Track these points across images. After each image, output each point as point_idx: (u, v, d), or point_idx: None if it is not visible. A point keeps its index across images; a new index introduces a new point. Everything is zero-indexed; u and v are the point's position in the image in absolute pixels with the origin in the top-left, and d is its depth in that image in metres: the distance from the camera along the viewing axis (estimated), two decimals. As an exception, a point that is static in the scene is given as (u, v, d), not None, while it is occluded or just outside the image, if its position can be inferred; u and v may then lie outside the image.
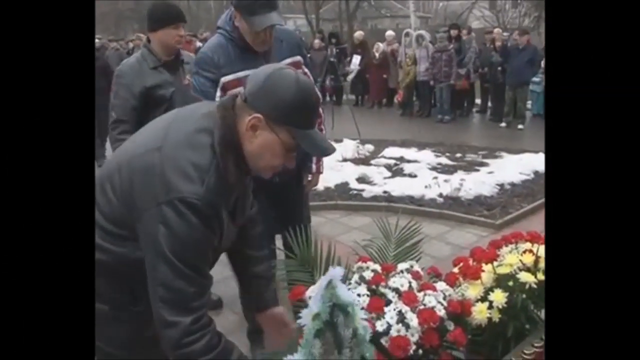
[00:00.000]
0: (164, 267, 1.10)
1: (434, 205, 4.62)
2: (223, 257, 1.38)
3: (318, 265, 1.67)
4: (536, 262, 1.51)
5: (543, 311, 1.38)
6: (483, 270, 1.54)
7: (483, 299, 1.47)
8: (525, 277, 1.45)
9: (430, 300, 1.40)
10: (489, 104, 9.49)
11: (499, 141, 7.23)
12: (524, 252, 1.57)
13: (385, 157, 6.21)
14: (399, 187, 5.01)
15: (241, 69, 2.08)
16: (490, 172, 5.49)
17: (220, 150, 1.14)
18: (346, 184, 5.19)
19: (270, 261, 1.56)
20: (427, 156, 6.23)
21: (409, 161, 6.01)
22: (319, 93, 2.42)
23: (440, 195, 4.78)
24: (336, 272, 1.10)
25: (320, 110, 2.39)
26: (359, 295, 1.42)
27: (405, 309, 1.37)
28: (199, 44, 7.54)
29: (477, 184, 4.96)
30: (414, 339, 1.32)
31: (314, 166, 2.42)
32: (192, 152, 1.14)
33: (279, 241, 2.27)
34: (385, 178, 5.40)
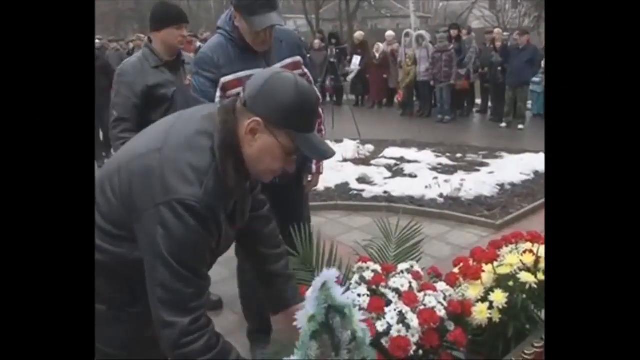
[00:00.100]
0: (162, 268, 1.11)
1: (434, 206, 4.62)
2: (223, 258, 1.38)
3: (320, 265, 1.67)
4: (536, 262, 1.52)
5: (543, 311, 1.38)
6: (483, 271, 1.54)
7: (483, 299, 1.47)
8: (525, 277, 1.46)
9: (430, 300, 1.40)
10: (489, 104, 9.48)
11: (499, 141, 7.23)
12: (524, 252, 1.57)
13: (385, 158, 6.21)
14: (399, 187, 5.01)
15: (241, 69, 2.08)
16: (491, 172, 5.49)
17: (220, 153, 1.14)
18: (346, 184, 5.19)
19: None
20: (428, 156, 6.23)
21: (409, 161, 6.01)
22: (319, 94, 2.43)
23: (441, 195, 4.78)
24: (330, 273, 1.10)
25: (320, 110, 2.41)
26: (359, 295, 1.42)
27: (405, 309, 1.37)
28: (199, 44, 7.53)
29: (477, 184, 4.96)
30: (415, 339, 1.33)
31: (314, 167, 2.42)
32: (191, 154, 1.14)
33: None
34: (385, 178, 5.40)
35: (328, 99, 10.37)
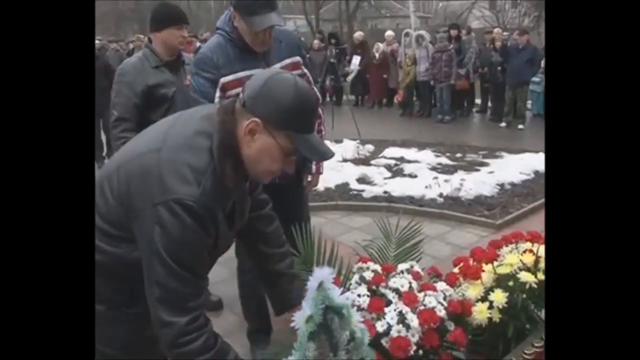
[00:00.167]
0: (160, 268, 1.11)
1: (434, 206, 4.62)
2: (223, 258, 1.38)
3: (321, 265, 1.67)
4: (536, 262, 1.52)
5: (543, 311, 1.38)
6: (483, 270, 1.54)
7: (483, 299, 1.47)
8: (525, 277, 1.45)
9: (430, 300, 1.40)
10: (489, 104, 9.49)
11: (499, 141, 7.23)
12: (524, 252, 1.57)
13: (385, 158, 6.21)
14: (399, 187, 5.00)
15: (240, 70, 2.08)
16: (491, 172, 5.48)
17: (218, 154, 1.14)
18: (346, 184, 5.19)
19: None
20: (428, 156, 6.22)
21: (409, 161, 6.01)
22: (319, 95, 2.43)
23: (441, 195, 4.78)
24: (324, 273, 1.10)
25: (320, 110, 2.41)
26: (359, 295, 1.42)
27: (405, 309, 1.37)
28: (198, 44, 7.53)
29: (477, 184, 4.96)
30: (415, 339, 1.32)
31: (314, 167, 2.42)
32: (189, 154, 1.14)
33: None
34: (385, 178, 5.40)
35: (328, 99, 10.37)
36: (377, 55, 10.93)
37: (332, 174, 5.18)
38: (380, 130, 8.13)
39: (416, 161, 5.99)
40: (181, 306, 1.13)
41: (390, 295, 1.42)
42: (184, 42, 2.62)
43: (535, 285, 1.44)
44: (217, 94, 2.10)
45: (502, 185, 5.03)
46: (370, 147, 6.65)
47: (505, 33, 10.61)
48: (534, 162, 5.59)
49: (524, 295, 1.44)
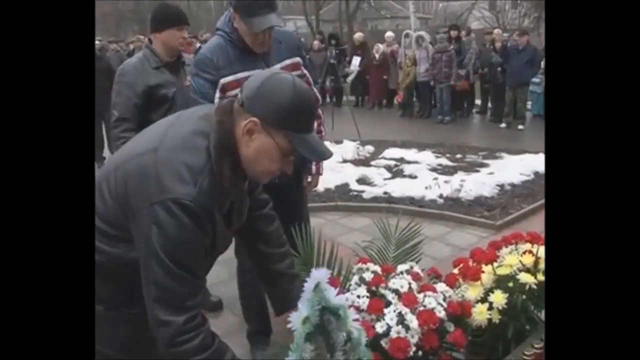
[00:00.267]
0: (157, 267, 1.11)
1: (434, 206, 4.62)
2: (223, 259, 1.38)
3: (320, 266, 1.67)
4: (536, 262, 1.51)
5: (543, 312, 1.38)
6: (483, 271, 1.54)
7: (483, 300, 1.47)
8: (525, 278, 1.45)
9: (430, 301, 1.40)
10: (489, 104, 9.48)
11: (499, 142, 7.23)
12: (524, 253, 1.57)
13: (385, 158, 6.21)
14: (399, 188, 5.00)
15: (240, 70, 2.08)
16: (491, 173, 5.49)
17: (215, 153, 1.14)
18: (346, 185, 5.19)
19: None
20: (427, 157, 6.23)
21: (409, 162, 6.01)
22: (318, 95, 2.44)
23: (441, 196, 4.78)
24: (321, 274, 1.10)
25: (320, 111, 2.41)
26: (359, 296, 1.42)
27: (405, 310, 1.37)
28: (199, 45, 7.54)
29: (477, 184, 4.96)
30: (414, 340, 1.32)
31: (313, 167, 2.42)
32: (186, 154, 1.14)
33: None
34: (385, 179, 5.40)
35: (328, 100, 10.37)
36: (377, 56, 10.93)
37: (332, 175, 5.18)
38: (380, 131, 8.13)
39: (416, 162, 5.99)
40: (178, 305, 1.13)
41: (390, 296, 1.42)
42: (184, 43, 2.63)
43: (535, 286, 1.44)
44: (217, 94, 2.10)
45: (502, 186, 5.03)
46: (370, 148, 6.65)
47: (505, 34, 10.62)
48: (534, 162, 5.60)
49: (524, 296, 1.44)
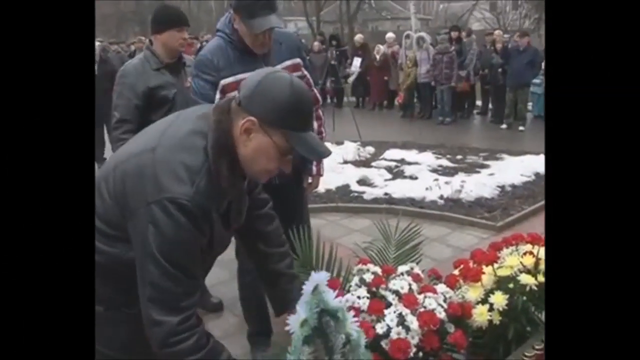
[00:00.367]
0: (152, 267, 1.11)
1: (434, 207, 4.62)
2: (223, 260, 1.38)
3: (320, 267, 1.67)
4: (536, 264, 1.51)
5: (544, 313, 1.38)
6: (483, 273, 1.54)
7: (483, 301, 1.47)
8: (525, 279, 1.45)
9: (430, 302, 1.40)
10: (490, 105, 9.48)
11: (500, 143, 7.23)
12: (525, 254, 1.57)
13: (386, 159, 6.20)
14: (399, 189, 5.00)
15: (240, 72, 2.08)
16: (491, 174, 5.48)
17: (213, 153, 1.14)
18: (347, 186, 5.19)
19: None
20: (428, 158, 6.23)
21: (409, 163, 6.01)
22: (319, 96, 2.44)
23: (441, 197, 4.77)
24: (320, 276, 1.10)
25: (321, 112, 2.41)
26: (359, 297, 1.42)
27: (405, 311, 1.36)
28: (199, 46, 7.54)
29: (478, 185, 4.96)
30: (414, 341, 1.32)
31: (314, 168, 2.42)
32: (184, 154, 1.14)
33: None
34: (386, 180, 5.39)
35: (328, 101, 10.39)
36: (377, 57, 10.94)
37: (333, 176, 5.18)
38: (380, 132, 8.13)
39: (417, 163, 5.99)
40: (173, 306, 1.13)
41: (390, 297, 1.42)
42: (184, 44, 2.63)
43: (535, 288, 1.44)
44: (217, 96, 2.10)
45: (502, 187, 5.03)
46: (370, 149, 6.65)
47: (506, 35, 10.60)
48: (534, 164, 5.59)
49: (524, 298, 1.44)
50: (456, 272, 1.62)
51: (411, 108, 10.09)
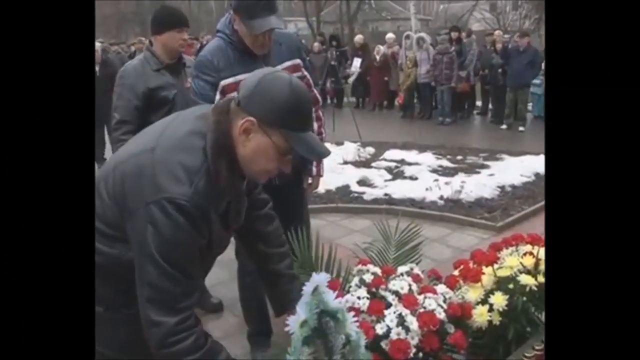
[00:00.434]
0: (151, 267, 1.11)
1: (434, 208, 4.62)
2: (223, 260, 1.38)
3: (319, 268, 1.67)
4: (536, 264, 1.51)
5: (543, 313, 1.38)
6: (483, 273, 1.54)
7: (483, 301, 1.47)
8: (525, 279, 1.45)
9: (430, 303, 1.40)
10: (490, 106, 9.48)
11: (500, 143, 7.23)
12: (525, 254, 1.57)
13: (386, 160, 6.21)
14: (399, 189, 5.00)
15: (240, 72, 2.08)
16: (491, 175, 5.48)
17: (212, 153, 1.14)
18: (347, 186, 5.19)
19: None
20: (428, 158, 6.23)
21: (409, 164, 6.01)
22: (318, 96, 2.44)
23: (441, 197, 4.78)
24: (321, 277, 1.10)
25: (321, 113, 2.41)
26: (359, 298, 1.42)
27: (405, 311, 1.36)
28: (199, 46, 7.55)
29: (478, 186, 4.96)
30: (414, 342, 1.32)
31: (314, 169, 2.42)
32: (183, 154, 1.14)
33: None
34: (386, 180, 5.40)
35: (329, 101, 10.39)
36: (377, 57, 10.94)
37: (333, 176, 5.18)
38: (381, 132, 8.14)
39: (417, 163, 6.00)
40: (171, 306, 1.13)
41: (390, 298, 1.42)
42: (184, 45, 2.64)
43: (535, 288, 1.44)
44: (217, 96, 2.10)
45: (502, 188, 5.03)
46: (370, 150, 6.65)
47: (506, 35, 10.61)
48: (534, 164, 5.59)
49: (524, 298, 1.44)
50: (456, 272, 1.62)
51: (411, 108, 10.09)
